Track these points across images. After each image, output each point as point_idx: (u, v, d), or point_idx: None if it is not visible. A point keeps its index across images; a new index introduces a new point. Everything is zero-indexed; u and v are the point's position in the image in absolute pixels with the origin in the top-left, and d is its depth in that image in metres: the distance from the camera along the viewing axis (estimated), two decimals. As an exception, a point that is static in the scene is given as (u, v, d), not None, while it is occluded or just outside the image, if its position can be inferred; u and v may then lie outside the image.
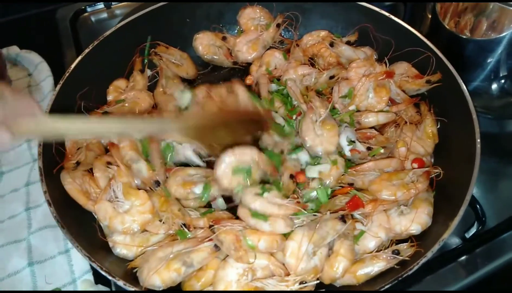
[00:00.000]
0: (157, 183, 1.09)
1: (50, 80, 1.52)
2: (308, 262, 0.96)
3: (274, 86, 1.33)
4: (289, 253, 0.97)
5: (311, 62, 1.38)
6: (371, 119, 1.23)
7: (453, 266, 1.10)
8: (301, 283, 0.95)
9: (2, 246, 1.14)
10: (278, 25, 1.44)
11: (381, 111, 1.26)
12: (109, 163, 1.12)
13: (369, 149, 1.18)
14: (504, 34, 1.14)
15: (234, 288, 0.95)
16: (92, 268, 1.10)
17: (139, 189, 1.09)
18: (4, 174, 1.30)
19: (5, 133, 0.75)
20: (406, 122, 1.22)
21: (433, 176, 1.14)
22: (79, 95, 1.22)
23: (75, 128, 0.85)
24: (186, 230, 1.04)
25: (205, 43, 1.46)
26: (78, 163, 1.13)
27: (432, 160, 1.21)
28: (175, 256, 0.95)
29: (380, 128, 1.26)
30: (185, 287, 0.98)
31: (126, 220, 1.02)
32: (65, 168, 1.11)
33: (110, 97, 1.33)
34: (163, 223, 1.04)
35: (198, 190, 1.08)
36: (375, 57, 1.39)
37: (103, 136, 1.15)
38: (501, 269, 1.12)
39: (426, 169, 1.13)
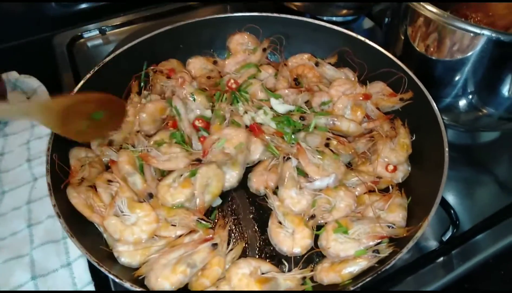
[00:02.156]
0: (150, 195, 1.16)
1: (48, 104, 1.58)
2: (304, 197, 1.17)
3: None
4: (291, 202, 1.17)
5: (296, 81, 1.49)
6: (344, 123, 1.32)
7: (432, 267, 1.19)
8: None
9: (5, 261, 1.17)
10: (264, 49, 1.55)
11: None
12: (109, 180, 1.18)
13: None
14: (468, 54, 1.22)
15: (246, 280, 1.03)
16: (93, 280, 1.15)
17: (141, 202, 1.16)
18: (6, 193, 1.34)
19: None
20: (384, 136, 1.31)
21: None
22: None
23: None
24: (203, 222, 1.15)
25: (198, 67, 1.56)
26: (82, 179, 1.19)
27: (409, 168, 1.31)
28: (178, 260, 1.03)
29: (356, 141, 1.34)
30: (195, 287, 1.05)
31: (135, 231, 1.09)
32: (70, 184, 1.17)
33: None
34: (175, 226, 1.12)
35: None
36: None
37: None
38: (475, 269, 1.21)
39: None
